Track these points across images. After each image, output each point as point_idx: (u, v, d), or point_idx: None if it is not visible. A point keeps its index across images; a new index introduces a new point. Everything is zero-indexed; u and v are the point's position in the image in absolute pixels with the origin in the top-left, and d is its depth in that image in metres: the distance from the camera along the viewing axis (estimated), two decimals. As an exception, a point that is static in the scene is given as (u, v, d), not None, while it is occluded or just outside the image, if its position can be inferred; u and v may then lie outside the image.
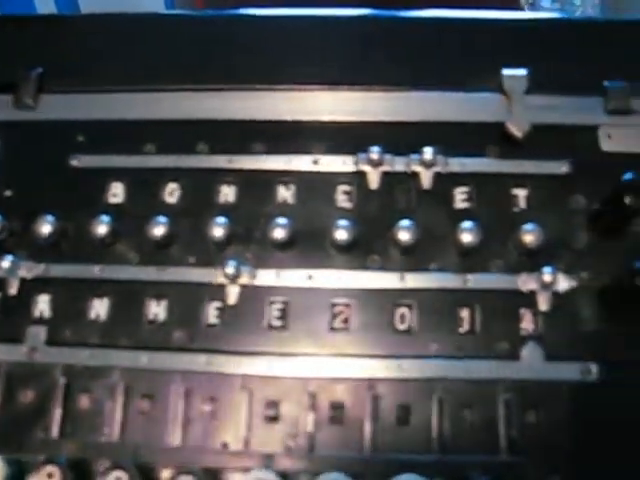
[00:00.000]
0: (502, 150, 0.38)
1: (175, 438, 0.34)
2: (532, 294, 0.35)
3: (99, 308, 0.36)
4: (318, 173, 0.37)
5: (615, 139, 0.38)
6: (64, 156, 0.39)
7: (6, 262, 0.37)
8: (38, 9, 1.07)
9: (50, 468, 0.32)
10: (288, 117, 0.38)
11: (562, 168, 0.37)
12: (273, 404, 0.34)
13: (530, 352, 0.34)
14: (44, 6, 1.04)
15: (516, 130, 0.37)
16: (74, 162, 0.39)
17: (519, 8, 0.84)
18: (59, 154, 0.39)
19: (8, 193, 0.39)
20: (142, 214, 0.37)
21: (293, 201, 0.37)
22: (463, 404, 0.34)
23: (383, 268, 0.36)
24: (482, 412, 0.34)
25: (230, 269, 0.35)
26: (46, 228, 0.37)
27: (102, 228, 0.36)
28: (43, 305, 0.37)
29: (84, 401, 0.35)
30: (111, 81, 0.40)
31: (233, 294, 0.36)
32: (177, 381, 0.35)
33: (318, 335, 0.35)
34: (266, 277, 0.36)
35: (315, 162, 0.38)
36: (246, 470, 0.33)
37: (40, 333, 0.36)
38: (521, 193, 0.37)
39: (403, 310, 0.35)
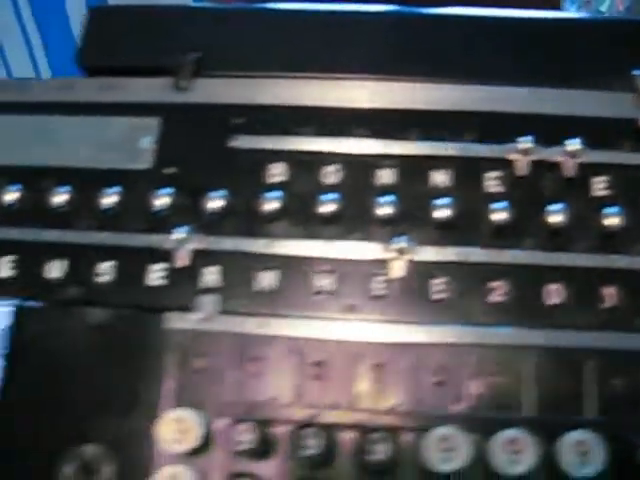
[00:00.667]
0: (635, 145, 0.41)
1: (346, 401, 0.36)
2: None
3: (267, 279, 0.39)
4: (468, 159, 0.40)
5: None
6: (223, 137, 0.41)
7: (180, 234, 0.39)
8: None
9: (245, 425, 0.34)
10: (440, 106, 0.41)
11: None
12: (440, 370, 0.37)
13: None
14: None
15: (646, 126, 0.41)
16: (233, 143, 0.41)
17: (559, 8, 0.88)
18: (218, 135, 0.41)
19: (172, 170, 0.41)
20: (304, 192, 0.40)
21: (448, 184, 0.40)
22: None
23: (534, 248, 0.39)
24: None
25: (399, 243, 0.38)
26: (215, 203, 0.39)
27: (270, 204, 0.39)
28: (213, 276, 0.39)
29: (256, 367, 0.38)
30: (265, 67, 0.43)
31: (398, 268, 0.38)
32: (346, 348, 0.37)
33: (475, 307, 0.38)
34: (428, 254, 0.38)
35: (466, 149, 0.41)
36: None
37: (212, 302, 0.38)
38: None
39: (554, 286, 0.38)
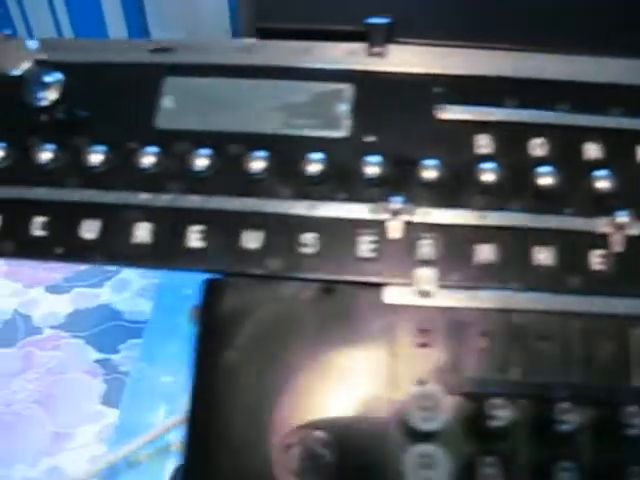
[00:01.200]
0: None
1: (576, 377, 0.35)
2: None
3: (485, 252, 0.37)
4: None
5: None
6: (425, 106, 0.40)
7: (396, 204, 0.37)
8: (110, 34, 1.05)
9: (496, 400, 0.33)
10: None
11: None
12: None
13: None
14: (115, 31, 1.02)
15: None
16: (437, 113, 0.40)
17: None
18: (419, 104, 0.40)
19: (371, 139, 0.39)
20: (514, 165, 0.39)
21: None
22: None
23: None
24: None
25: (622, 218, 0.37)
26: (430, 173, 0.38)
27: (487, 175, 0.38)
28: (427, 249, 0.37)
29: (482, 342, 0.36)
30: (457, 36, 0.42)
31: (618, 242, 0.38)
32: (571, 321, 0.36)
33: None
34: (645, 228, 0.38)
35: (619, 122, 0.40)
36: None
37: (429, 276, 0.37)
38: None
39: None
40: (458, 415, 0.34)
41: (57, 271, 0.72)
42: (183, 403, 0.65)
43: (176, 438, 0.61)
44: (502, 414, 0.33)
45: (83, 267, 0.72)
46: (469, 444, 0.34)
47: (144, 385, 0.63)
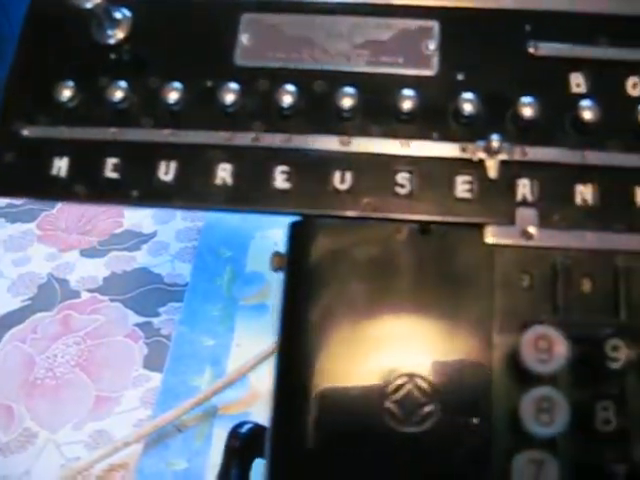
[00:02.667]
0: None
1: None
2: None
3: (585, 194, 0.36)
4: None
5: None
6: (517, 43, 0.38)
7: (495, 142, 0.35)
8: None
9: (615, 341, 0.32)
10: None
11: None
12: None
13: None
14: None
15: None
16: (531, 50, 0.38)
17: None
18: (510, 41, 0.38)
19: (460, 77, 0.38)
20: (610, 103, 0.37)
21: None
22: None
23: None
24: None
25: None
26: (527, 111, 0.36)
27: (587, 114, 0.36)
28: (525, 189, 0.36)
29: (585, 284, 0.35)
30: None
31: None
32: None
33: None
34: None
35: None
36: None
37: (531, 216, 0.35)
38: None
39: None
40: (573, 358, 0.32)
41: (91, 234, 0.69)
42: (227, 366, 0.64)
43: (222, 401, 0.59)
44: (621, 355, 0.31)
45: (119, 230, 0.70)
46: (584, 388, 0.32)
47: (187, 348, 0.62)
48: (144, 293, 0.65)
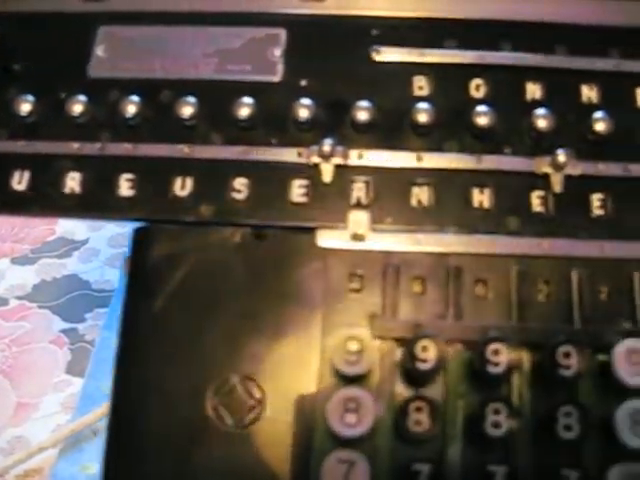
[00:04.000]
0: None
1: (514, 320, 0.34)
2: None
3: (420, 195, 0.36)
4: (620, 74, 0.39)
5: None
6: (361, 49, 0.39)
7: (326, 146, 0.36)
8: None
9: (425, 342, 0.32)
10: (591, 21, 0.40)
11: None
12: (604, 287, 0.35)
13: None
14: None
15: None
16: (374, 55, 0.39)
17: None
18: (355, 47, 0.39)
19: (303, 83, 0.38)
20: (450, 106, 0.38)
21: (597, 101, 0.38)
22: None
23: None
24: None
25: (561, 158, 0.36)
26: (363, 115, 0.37)
27: (423, 116, 0.37)
28: (360, 192, 0.36)
29: (416, 286, 0.35)
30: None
31: (558, 183, 0.37)
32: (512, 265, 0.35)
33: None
34: (587, 168, 0.36)
35: (617, 64, 0.39)
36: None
37: (363, 219, 0.36)
38: None
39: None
40: (387, 359, 0.33)
41: (24, 242, 0.71)
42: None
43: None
44: (430, 356, 0.32)
45: (51, 238, 0.71)
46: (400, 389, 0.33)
47: (109, 353, 0.63)
48: (72, 299, 0.66)
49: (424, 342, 0.32)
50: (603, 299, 0.35)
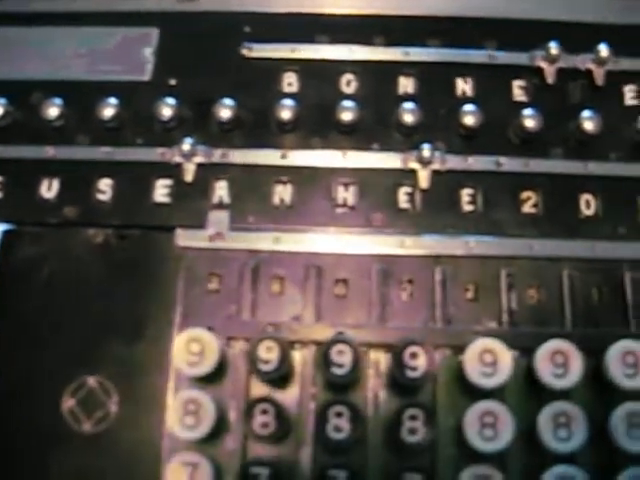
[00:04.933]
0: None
1: (373, 319, 0.33)
2: None
3: (282, 193, 0.36)
4: (493, 67, 0.38)
5: None
6: (233, 46, 0.38)
7: (186, 145, 0.36)
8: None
9: (269, 343, 0.31)
10: (463, 12, 0.39)
11: None
12: (472, 284, 0.34)
13: None
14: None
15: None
16: (244, 51, 0.38)
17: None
18: (227, 44, 0.38)
19: (173, 82, 0.38)
20: (319, 102, 0.37)
21: (472, 93, 0.37)
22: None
23: (567, 157, 0.36)
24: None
25: (426, 152, 0.35)
26: (225, 112, 0.36)
27: (286, 113, 0.36)
28: (221, 191, 0.36)
29: (274, 285, 0.35)
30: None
31: (425, 179, 0.36)
32: (374, 264, 0.35)
33: (509, 219, 0.35)
34: (456, 163, 0.36)
35: (491, 57, 0.38)
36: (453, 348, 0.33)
37: (223, 218, 0.35)
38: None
39: (587, 196, 0.36)
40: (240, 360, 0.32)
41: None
42: None
43: None
44: (272, 357, 0.31)
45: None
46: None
47: None
48: None
49: (267, 343, 0.31)
50: (469, 297, 0.34)
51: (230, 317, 0.34)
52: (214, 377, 0.32)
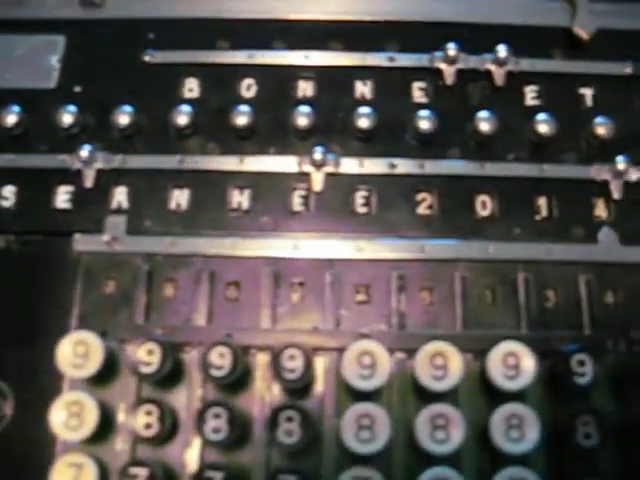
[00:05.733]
0: (568, 52, 0.39)
1: (264, 322, 0.34)
2: (605, 183, 0.37)
3: (179, 198, 0.36)
4: (394, 69, 0.38)
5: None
6: (136, 52, 0.39)
7: (84, 152, 0.36)
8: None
9: (150, 345, 0.32)
10: (364, 17, 0.39)
11: (626, 69, 0.39)
12: (363, 287, 0.35)
13: (606, 236, 0.36)
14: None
15: (582, 32, 0.39)
16: (147, 58, 0.39)
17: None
18: (130, 50, 0.39)
19: (78, 89, 0.39)
20: (219, 107, 0.38)
21: (370, 96, 0.38)
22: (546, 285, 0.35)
23: (463, 158, 0.37)
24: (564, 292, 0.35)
25: (318, 155, 0.36)
26: (124, 119, 0.37)
27: (183, 119, 0.36)
28: (120, 196, 0.36)
29: (168, 289, 0.35)
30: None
31: (319, 181, 0.36)
32: (264, 266, 0.35)
33: (403, 220, 0.36)
34: (350, 165, 0.36)
35: (391, 59, 0.38)
36: (338, 350, 0.33)
37: (120, 223, 0.36)
38: (588, 92, 0.39)
39: (484, 197, 0.36)
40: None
41: None
42: None
43: None
44: (154, 359, 0.32)
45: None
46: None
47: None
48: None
49: (149, 345, 0.31)
50: (360, 299, 0.34)
51: (124, 321, 0.34)
52: (103, 379, 0.33)
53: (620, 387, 0.34)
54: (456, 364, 0.32)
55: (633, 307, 0.35)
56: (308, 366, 0.31)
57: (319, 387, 0.33)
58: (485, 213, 0.36)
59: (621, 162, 0.36)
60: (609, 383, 0.34)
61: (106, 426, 0.32)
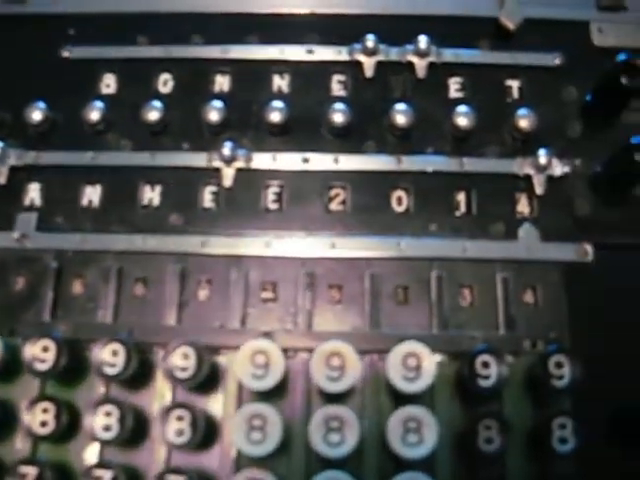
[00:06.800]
0: (495, 43, 0.38)
1: (170, 319, 0.34)
2: (528, 178, 0.36)
3: (91, 194, 0.36)
4: (312, 62, 0.37)
5: (606, 33, 0.38)
6: (55, 48, 0.38)
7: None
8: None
9: (45, 341, 0.32)
10: (283, 9, 0.38)
11: (554, 60, 0.38)
12: (270, 285, 0.34)
13: (526, 233, 0.35)
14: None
15: (509, 23, 0.38)
16: (65, 53, 0.38)
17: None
18: (49, 46, 0.38)
19: (-9, 86, 0.39)
20: (135, 102, 0.37)
21: (288, 90, 0.37)
22: (462, 283, 0.34)
23: (379, 152, 0.36)
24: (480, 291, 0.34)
25: (227, 151, 0.35)
26: (37, 115, 0.36)
27: (95, 114, 0.36)
28: (33, 193, 0.36)
29: (77, 286, 0.35)
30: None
31: (229, 177, 0.35)
32: (172, 263, 0.34)
33: (314, 216, 0.35)
34: (262, 161, 0.36)
35: (309, 52, 0.38)
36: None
37: (31, 220, 0.36)
38: (514, 84, 0.37)
39: (400, 193, 0.35)
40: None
41: None
42: None
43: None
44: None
45: None
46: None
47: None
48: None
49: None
50: (267, 297, 0.34)
51: (30, 318, 0.34)
52: (5, 378, 0.33)
53: (535, 389, 0.33)
54: (354, 365, 0.31)
55: (553, 306, 0.34)
56: (200, 364, 0.31)
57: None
58: (401, 209, 0.35)
59: (543, 155, 0.35)
60: (523, 385, 0.33)
61: (9, 425, 0.32)
